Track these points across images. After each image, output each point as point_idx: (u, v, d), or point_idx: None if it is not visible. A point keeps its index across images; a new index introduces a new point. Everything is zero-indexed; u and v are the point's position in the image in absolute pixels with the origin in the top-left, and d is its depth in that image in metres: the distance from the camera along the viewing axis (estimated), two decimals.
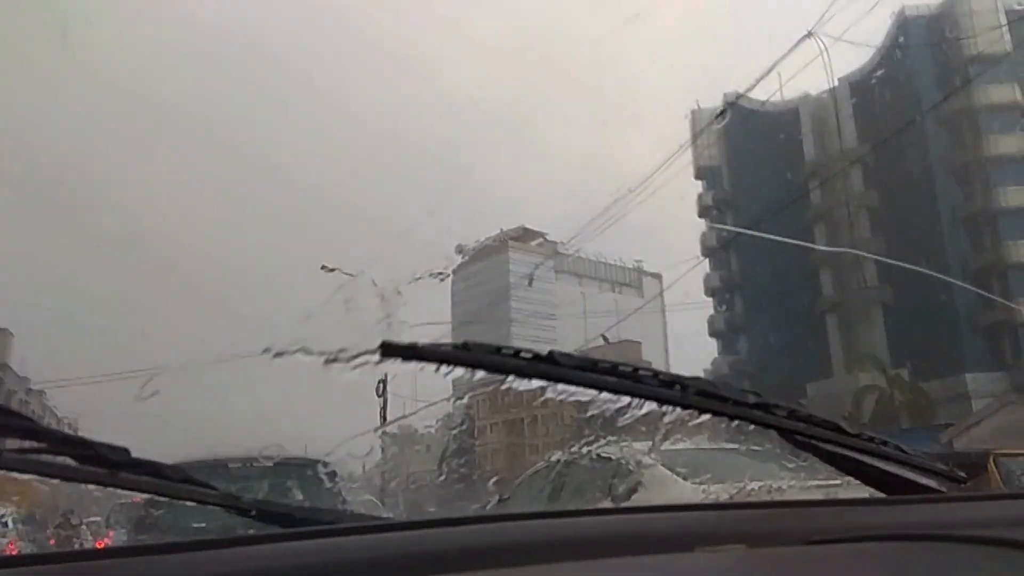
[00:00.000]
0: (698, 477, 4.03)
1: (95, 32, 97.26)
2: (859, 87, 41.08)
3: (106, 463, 0.96)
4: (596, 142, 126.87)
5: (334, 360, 1.03)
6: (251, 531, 1.00)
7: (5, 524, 10.50)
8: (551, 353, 1.08)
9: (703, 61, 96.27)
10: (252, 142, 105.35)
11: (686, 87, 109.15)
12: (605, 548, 0.85)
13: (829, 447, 1.19)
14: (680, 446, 3.78)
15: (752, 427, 1.17)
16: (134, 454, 0.96)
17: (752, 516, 1.06)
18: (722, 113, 33.91)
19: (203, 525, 1.89)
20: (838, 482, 1.58)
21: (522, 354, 1.06)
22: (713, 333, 47.94)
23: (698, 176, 46.47)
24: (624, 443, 4.13)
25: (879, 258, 31.32)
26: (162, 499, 1.06)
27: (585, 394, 1.09)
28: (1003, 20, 34.01)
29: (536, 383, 1.07)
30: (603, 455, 4.46)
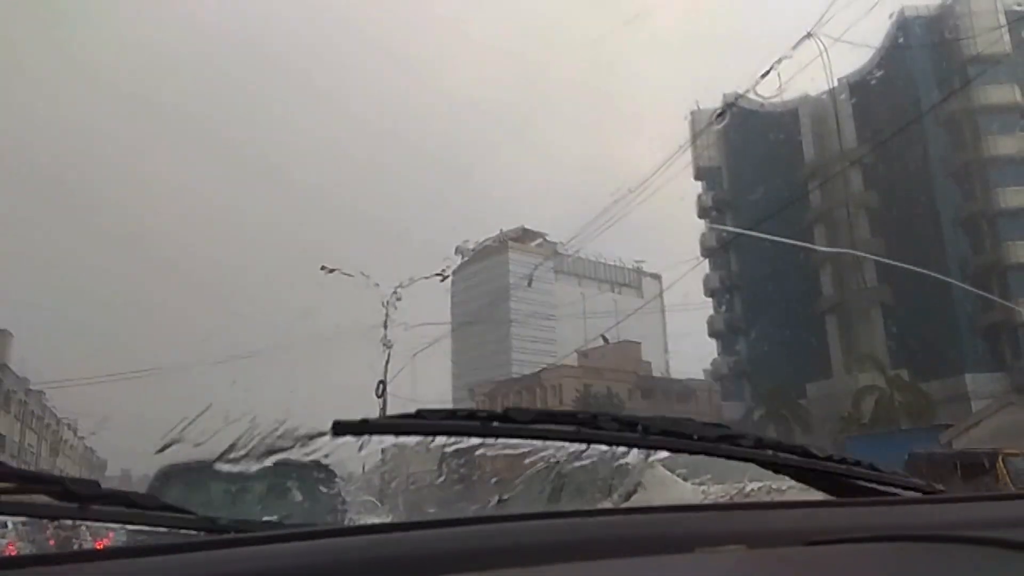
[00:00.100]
0: (698, 478, 4.04)
1: (95, 32, 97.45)
2: (859, 88, 41.06)
3: (75, 498, 0.98)
4: (596, 142, 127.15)
5: (289, 448, 1.08)
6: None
7: (5, 524, 10.49)
8: (507, 411, 1.13)
9: (703, 61, 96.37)
10: (252, 142, 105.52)
11: (686, 87, 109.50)
12: (605, 549, 0.85)
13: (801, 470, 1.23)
14: None
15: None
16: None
17: (752, 516, 1.06)
18: (722, 114, 33.87)
19: None
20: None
21: (478, 414, 1.11)
22: (713, 334, 47.97)
23: (698, 177, 46.54)
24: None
25: (879, 258, 31.25)
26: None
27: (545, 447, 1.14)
28: (1003, 20, 34.07)
29: (495, 441, 1.12)
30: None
